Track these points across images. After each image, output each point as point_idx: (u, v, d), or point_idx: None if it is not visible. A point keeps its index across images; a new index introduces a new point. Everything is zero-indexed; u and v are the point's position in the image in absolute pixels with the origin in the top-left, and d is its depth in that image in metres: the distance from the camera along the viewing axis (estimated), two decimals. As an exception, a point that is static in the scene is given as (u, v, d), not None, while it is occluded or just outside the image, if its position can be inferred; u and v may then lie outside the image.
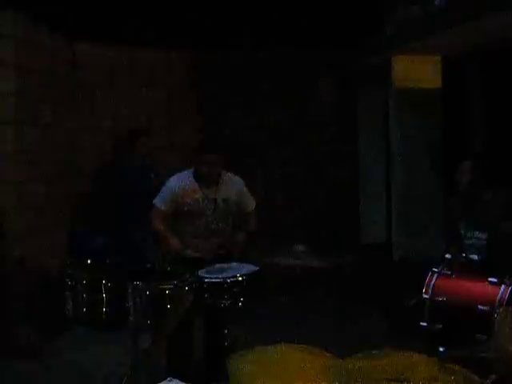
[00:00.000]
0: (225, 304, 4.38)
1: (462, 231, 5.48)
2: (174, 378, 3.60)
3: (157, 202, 5.12)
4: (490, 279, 4.99)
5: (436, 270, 5.27)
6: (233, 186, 5.16)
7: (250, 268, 4.57)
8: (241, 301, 4.39)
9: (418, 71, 8.05)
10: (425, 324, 5.17)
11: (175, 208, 5.08)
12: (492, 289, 4.93)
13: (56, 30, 7.31)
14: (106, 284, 4.14)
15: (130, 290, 4.08)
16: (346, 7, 8.09)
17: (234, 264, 4.70)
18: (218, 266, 4.65)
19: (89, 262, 4.47)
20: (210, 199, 5.06)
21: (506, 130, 8.03)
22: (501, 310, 3.76)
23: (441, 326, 5.08)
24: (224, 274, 4.47)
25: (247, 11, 7.80)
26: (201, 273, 4.47)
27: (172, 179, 5.15)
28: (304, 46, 8.50)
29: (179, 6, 7.57)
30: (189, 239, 5.10)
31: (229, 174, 5.19)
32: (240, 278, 4.42)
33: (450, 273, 5.24)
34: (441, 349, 4.80)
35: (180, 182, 5.09)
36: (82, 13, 7.23)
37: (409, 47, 7.71)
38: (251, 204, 5.33)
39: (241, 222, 5.29)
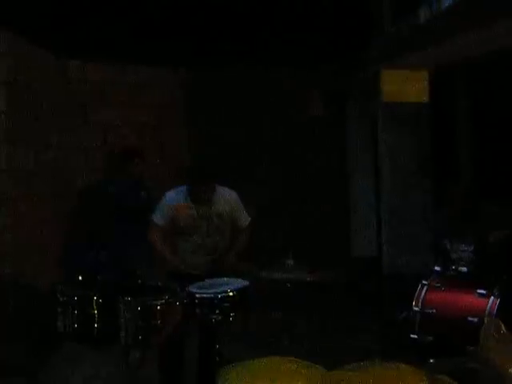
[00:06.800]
0: (215, 319, 4.40)
1: (448, 245, 5.54)
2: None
3: (154, 217, 5.10)
4: (478, 291, 5.05)
5: (425, 282, 5.32)
6: (227, 200, 5.10)
7: (240, 283, 4.60)
8: (231, 316, 4.42)
9: (406, 85, 8.10)
10: (415, 336, 5.21)
11: (172, 223, 5.07)
12: (481, 301, 4.99)
13: (48, 47, 7.33)
14: (97, 300, 4.18)
15: (121, 306, 4.11)
16: (334, 21, 8.17)
17: (225, 279, 4.71)
18: (208, 281, 4.67)
19: (80, 278, 4.50)
20: (204, 216, 5.04)
21: (494, 142, 8.10)
22: (486, 321, 3.80)
23: (431, 338, 5.13)
24: (214, 290, 4.49)
25: (235, 29, 7.87)
26: (191, 288, 4.49)
27: (167, 195, 5.13)
28: (292, 61, 8.55)
29: (169, 24, 7.64)
30: (185, 255, 5.08)
31: (222, 188, 5.12)
32: (230, 293, 4.45)
33: (439, 285, 5.29)
34: (431, 360, 4.85)
35: (174, 198, 5.07)
36: (73, 30, 7.27)
37: (397, 61, 7.76)
38: (244, 219, 5.24)
39: (233, 239, 5.23)
